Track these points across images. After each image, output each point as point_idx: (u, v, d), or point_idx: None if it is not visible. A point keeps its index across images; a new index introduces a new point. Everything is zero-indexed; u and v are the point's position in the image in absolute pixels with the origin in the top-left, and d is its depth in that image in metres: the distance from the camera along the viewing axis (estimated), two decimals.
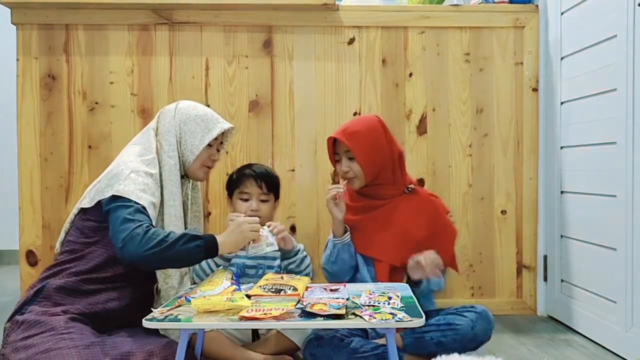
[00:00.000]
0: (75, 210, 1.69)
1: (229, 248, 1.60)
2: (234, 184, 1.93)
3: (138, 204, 1.56)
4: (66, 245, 1.66)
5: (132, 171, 1.62)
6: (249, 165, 1.96)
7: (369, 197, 1.84)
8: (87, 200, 1.64)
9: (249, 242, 1.65)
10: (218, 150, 1.86)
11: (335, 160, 1.86)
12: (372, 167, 1.79)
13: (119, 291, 1.62)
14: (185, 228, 1.81)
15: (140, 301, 1.67)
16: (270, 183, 1.91)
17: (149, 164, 1.68)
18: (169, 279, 1.72)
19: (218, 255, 1.59)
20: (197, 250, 1.52)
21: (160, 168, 1.72)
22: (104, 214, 1.58)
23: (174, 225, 1.70)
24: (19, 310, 1.54)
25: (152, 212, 1.60)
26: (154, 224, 1.59)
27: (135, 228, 1.49)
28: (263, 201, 1.90)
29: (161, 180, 1.71)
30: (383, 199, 1.82)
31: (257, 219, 1.68)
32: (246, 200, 1.89)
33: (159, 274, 1.71)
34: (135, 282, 1.65)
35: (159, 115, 1.80)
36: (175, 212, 1.71)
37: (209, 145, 1.78)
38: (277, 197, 1.96)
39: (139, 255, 1.47)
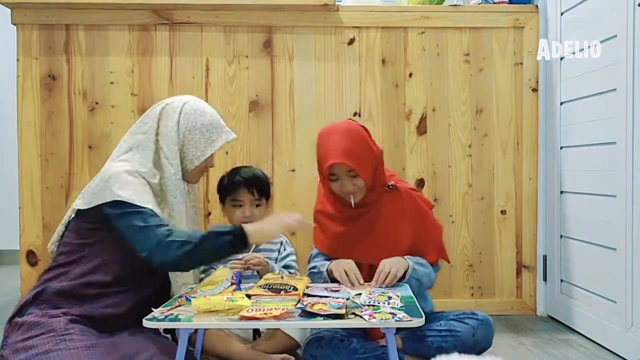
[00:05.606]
0: (70, 212, 1.66)
1: (261, 237, 1.57)
2: (225, 191, 1.93)
3: (146, 207, 1.53)
4: (63, 246, 1.63)
5: (129, 173, 1.58)
6: (238, 171, 1.95)
7: (356, 205, 1.78)
8: (81, 202, 1.60)
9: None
10: None
11: (330, 181, 1.75)
12: (372, 178, 1.75)
13: (120, 297, 1.58)
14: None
15: (141, 307, 1.61)
16: (261, 188, 1.92)
17: (148, 172, 1.63)
18: (179, 278, 1.69)
19: (250, 244, 1.55)
20: (226, 245, 1.51)
21: (161, 172, 1.66)
22: (104, 217, 1.55)
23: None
24: (18, 312, 1.52)
25: (157, 211, 1.57)
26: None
27: (157, 234, 1.47)
28: (256, 206, 1.91)
29: (163, 185, 1.67)
30: (369, 205, 1.78)
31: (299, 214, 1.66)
32: (239, 207, 1.89)
33: (172, 275, 1.68)
34: (136, 287, 1.62)
35: (161, 113, 1.69)
36: (179, 225, 1.65)
37: None
38: (268, 198, 1.97)
39: (169, 260, 1.48)
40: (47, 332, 1.43)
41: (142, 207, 1.53)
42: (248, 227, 1.54)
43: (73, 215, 1.64)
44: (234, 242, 1.52)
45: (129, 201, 1.53)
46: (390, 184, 1.80)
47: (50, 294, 1.53)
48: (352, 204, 1.75)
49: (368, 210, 1.77)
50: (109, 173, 1.59)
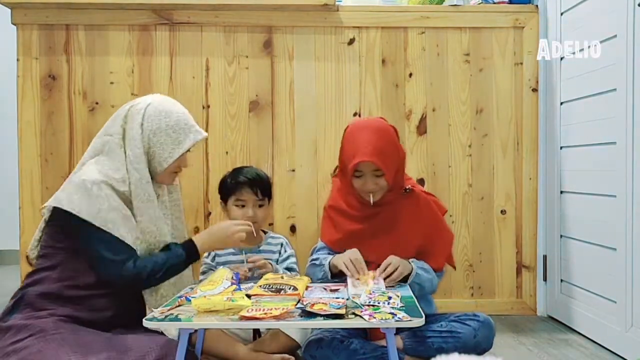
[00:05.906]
0: (43, 217, 1.62)
1: (210, 249, 1.76)
2: (228, 190, 1.94)
3: (112, 234, 1.50)
4: (42, 250, 1.60)
5: (95, 183, 1.52)
6: (241, 171, 1.96)
7: (374, 204, 1.77)
8: (50, 200, 1.57)
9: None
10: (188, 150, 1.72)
11: (354, 177, 1.74)
12: (395, 178, 1.75)
13: (107, 299, 1.56)
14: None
15: (129, 306, 1.61)
16: (264, 188, 1.94)
17: (120, 179, 1.58)
18: (155, 292, 1.65)
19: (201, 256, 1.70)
20: (182, 266, 1.63)
21: (130, 177, 1.59)
22: (72, 228, 1.52)
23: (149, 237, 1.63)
24: (1, 319, 1.49)
25: (123, 232, 1.53)
26: (126, 236, 1.54)
27: (122, 269, 1.51)
28: (259, 206, 1.92)
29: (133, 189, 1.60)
30: (385, 205, 1.78)
31: (245, 223, 1.71)
32: (242, 207, 1.90)
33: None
34: (121, 289, 1.58)
35: (126, 116, 1.63)
36: (150, 229, 1.61)
37: None
38: (270, 198, 1.99)
39: (137, 288, 1.58)
40: (37, 333, 1.41)
41: (106, 232, 1.50)
42: (199, 243, 1.65)
43: (46, 219, 1.60)
44: (188, 261, 1.64)
45: (90, 220, 1.49)
46: (407, 187, 1.81)
47: (33, 296, 1.51)
48: (371, 202, 1.75)
49: (383, 210, 1.78)
50: (77, 179, 1.54)
